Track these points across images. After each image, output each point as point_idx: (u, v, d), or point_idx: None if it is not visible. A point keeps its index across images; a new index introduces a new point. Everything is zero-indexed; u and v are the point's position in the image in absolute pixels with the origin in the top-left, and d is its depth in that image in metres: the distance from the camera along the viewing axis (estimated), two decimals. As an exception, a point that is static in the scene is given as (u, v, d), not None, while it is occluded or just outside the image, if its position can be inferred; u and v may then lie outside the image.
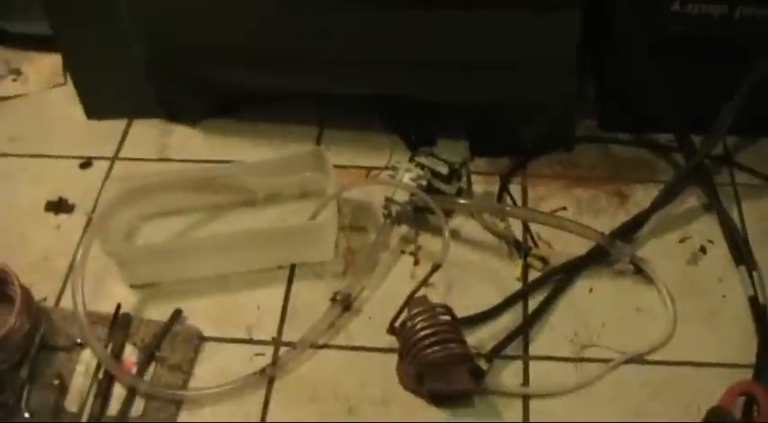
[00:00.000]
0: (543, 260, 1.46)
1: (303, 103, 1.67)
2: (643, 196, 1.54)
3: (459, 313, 1.33)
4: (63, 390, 1.31)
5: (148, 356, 1.35)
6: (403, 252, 1.49)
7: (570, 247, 1.46)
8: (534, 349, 1.36)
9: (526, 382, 1.32)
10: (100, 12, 1.56)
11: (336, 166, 1.51)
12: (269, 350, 1.37)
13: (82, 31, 1.61)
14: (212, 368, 1.35)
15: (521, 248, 1.48)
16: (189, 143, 1.68)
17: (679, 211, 1.53)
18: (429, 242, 1.50)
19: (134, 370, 1.33)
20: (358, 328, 1.39)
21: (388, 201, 1.47)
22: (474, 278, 1.44)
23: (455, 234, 1.49)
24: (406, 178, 1.47)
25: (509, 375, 1.33)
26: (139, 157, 1.66)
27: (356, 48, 1.49)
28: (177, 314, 1.40)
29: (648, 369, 1.33)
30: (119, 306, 1.40)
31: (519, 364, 1.34)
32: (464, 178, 1.50)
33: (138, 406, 1.30)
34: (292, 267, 1.47)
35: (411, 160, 1.50)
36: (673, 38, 1.47)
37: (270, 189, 1.54)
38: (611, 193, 1.56)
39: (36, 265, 1.48)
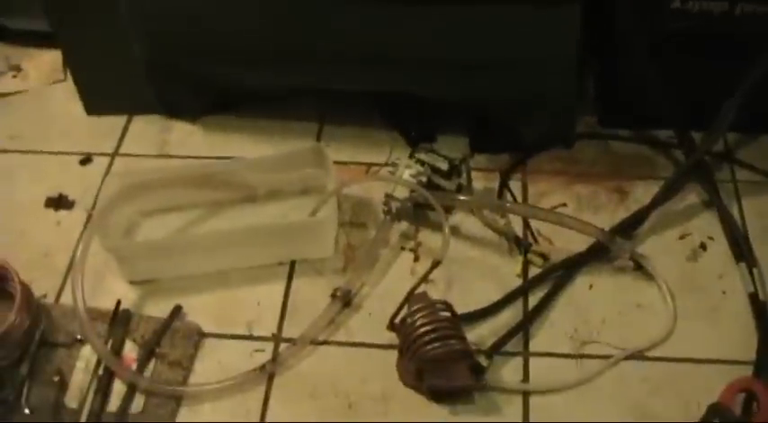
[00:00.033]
0: (543, 256, 1.45)
1: (303, 99, 1.67)
2: (643, 193, 1.54)
3: (459, 310, 1.33)
4: (63, 386, 1.31)
5: (148, 353, 1.35)
6: (403, 248, 1.49)
7: (570, 243, 1.46)
8: (534, 346, 1.36)
9: (526, 378, 1.32)
10: (99, 10, 1.56)
11: (336, 163, 1.51)
12: (269, 346, 1.37)
13: (82, 28, 1.61)
14: (212, 364, 1.35)
15: (521, 245, 1.48)
16: (189, 139, 1.68)
17: (679, 207, 1.53)
18: (429, 238, 1.50)
19: (134, 366, 1.33)
20: (358, 325, 1.39)
21: (389, 197, 1.47)
22: (474, 274, 1.44)
23: (455, 230, 1.49)
24: (406, 174, 1.47)
25: (509, 372, 1.33)
26: (139, 153, 1.66)
27: (356, 45, 1.48)
28: (177, 310, 1.40)
29: (648, 365, 1.33)
30: (119, 302, 1.40)
31: (519, 360, 1.34)
32: (464, 174, 1.50)
33: (138, 402, 1.30)
34: (292, 264, 1.47)
35: (411, 156, 1.50)
36: (673, 34, 1.47)
37: (270, 185, 1.54)
38: (611, 189, 1.56)
39: (36, 261, 1.48)
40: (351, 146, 1.63)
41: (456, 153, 1.51)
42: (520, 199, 1.56)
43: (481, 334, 1.36)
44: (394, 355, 1.33)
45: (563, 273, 1.44)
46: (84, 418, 1.28)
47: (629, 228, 1.48)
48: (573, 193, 1.56)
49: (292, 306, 1.42)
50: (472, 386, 1.29)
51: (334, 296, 1.39)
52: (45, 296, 1.43)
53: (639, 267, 1.43)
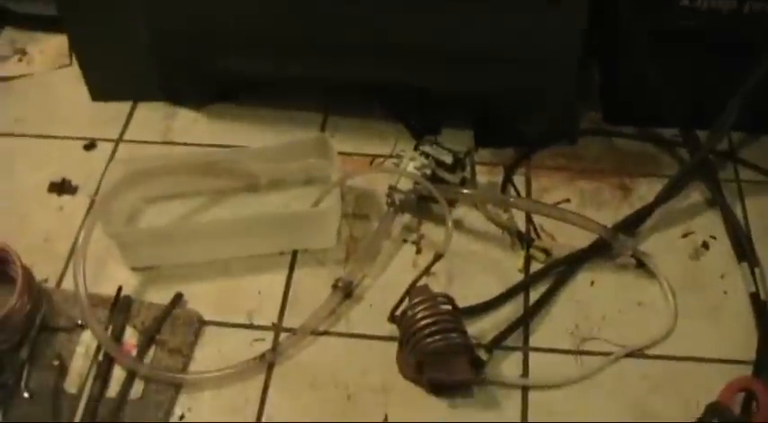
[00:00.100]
0: (546, 252, 1.45)
1: (309, 89, 1.66)
2: (647, 190, 1.54)
3: (461, 303, 1.33)
4: (63, 371, 1.31)
5: (148, 339, 1.35)
6: (405, 241, 1.49)
7: (573, 239, 1.46)
8: (534, 341, 1.36)
9: (526, 373, 1.32)
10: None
11: (341, 153, 1.50)
12: (269, 336, 1.37)
13: (88, 13, 1.61)
14: (212, 352, 1.35)
15: (523, 240, 1.48)
16: (193, 127, 1.68)
17: (682, 205, 1.53)
18: (432, 231, 1.50)
19: (134, 352, 1.33)
20: (359, 316, 1.39)
21: (392, 189, 1.47)
22: (476, 268, 1.44)
23: (458, 224, 1.49)
24: (411, 167, 1.47)
25: (509, 366, 1.33)
26: (143, 139, 1.66)
27: (357, 35, 1.48)
28: (178, 298, 1.40)
29: (648, 363, 1.33)
30: (120, 288, 1.40)
31: (519, 355, 1.34)
32: (468, 168, 1.50)
33: (137, 388, 1.30)
34: (294, 253, 1.47)
35: (415, 149, 1.50)
36: (681, 32, 1.46)
37: (273, 175, 1.54)
38: (614, 186, 1.56)
39: (38, 245, 1.48)
40: (355, 137, 1.63)
41: (461, 146, 1.51)
42: (523, 194, 1.56)
43: (482, 328, 1.36)
44: (394, 347, 1.33)
45: (565, 268, 1.44)
46: (83, 403, 1.28)
47: (631, 225, 1.48)
48: (576, 189, 1.56)
49: (293, 296, 1.42)
50: (472, 380, 1.29)
51: (335, 287, 1.39)
52: (46, 281, 1.43)
53: (641, 265, 1.43)
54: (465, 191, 1.48)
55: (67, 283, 1.42)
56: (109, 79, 1.71)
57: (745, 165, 1.59)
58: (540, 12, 1.42)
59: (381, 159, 1.60)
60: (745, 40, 1.45)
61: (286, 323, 1.38)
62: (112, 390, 1.30)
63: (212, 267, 1.45)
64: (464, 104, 1.62)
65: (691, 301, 1.39)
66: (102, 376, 1.30)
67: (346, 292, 1.40)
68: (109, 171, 1.49)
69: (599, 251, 1.45)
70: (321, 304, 1.37)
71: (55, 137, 1.67)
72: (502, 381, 1.31)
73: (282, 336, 1.37)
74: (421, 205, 1.49)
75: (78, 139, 1.66)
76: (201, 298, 1.41)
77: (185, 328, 1.36)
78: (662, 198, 1.49)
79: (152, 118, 1.70)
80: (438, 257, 1.36)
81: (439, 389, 1.29)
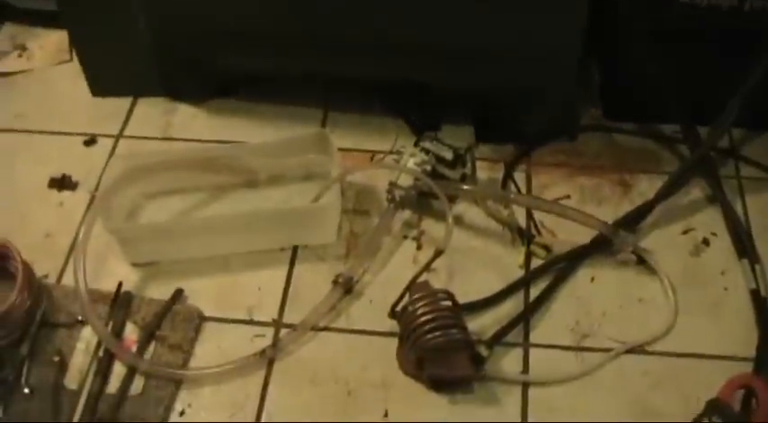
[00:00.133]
0: (546, 248, 1.45)
1: (309, 85, 1.66)
2: (647, 186, 1.54)
3: (461, 299, 1.32)
4: (63, 367, 1.31)
5: (149, 335, 1.35)
6: (406, 237, 1.49)
7: (573, 235, 1.46)
8: (535, 337, 1.36)
9: (526, 369, 1.33)
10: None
11: (341, 149, 1.50)
12: (269, 331, 1.37)
13: (88, 9, 1.61)
14: (212, 348, 1.35)
15: (524, 236, 1.48)
16: (193, 123, 1.68)
17: (683, 202, 1.53)
18: (432, 227, 1.50)
19: (134, 348, 1.33)
20: (359, 312, 1.39)
21: (392, 185, 1.47)
22: (476, 264, 1.44)
23: (458, 220, 1.49)
24: (411, 163, 1.47)
25: (509, 362, 1.33)
26: (143, 135, 1.66)
27: (357, 30, 1.48)
28: (178, 293, 1.40)
29: (649, 359, 1.33)
30: (120, 284, 1.40)
31: (519, 351, 1.34)
32: (468, 164, 1.50)
33: (137, 384, 1.30)
34: (294, 249, 1.47)
35: (416, 145, 1.50)
36: (681, 29, 1.46)
37: (273, 170, 1.54)
38: (615, 182, 1.56)
39: (38, 241, 1.48)
40: (355, 133, 1.63)
41: (461, 143, 1.51)
42: (524, 190, 1.55)
43: (482, 324, 1.36)
44: (394, 343, 1.33)
45: (565, 265, 1.44)
46: (83, 399, 1.28)
47: (632, 221, 1.48)
48: (577, 185, 1.56)
49: (293, 292, 1.42)
50: (472, 376, 1.29)
51: (335, 283, 1.39)
52: (46, 276, 1.43)
53: (642, 261, 1.43)
54: (465, 187, 1.48)
55: (68, 279, 1.42)
56: (109, 75, 1.71)
57: (746, 161, 1.59)
58: (540, 9, 1.41)
59: (381, 155, 1.60)
60: (745, 38, 1.45)
61: (286, 319, 1.38)
62: (113, 386, 1.30)
63: (212, 263, 1.45)
64: (464, 101, 1.62)
65: (691, 297, 1.39)
66: (103, 372, 1.30)
67: (346, 287, 1.40)
68: (109, 167, 1.49)
69: (599, 247, 1.44)
70: (321, 300, 1.37)
71: (55, 133, 1.67)
72: (502, 377, 1.31)
73: (283, 332, 1.37)
74: (421, 201, 1.49)
75: (78, 134, 1.66)
76: (202, 294, 1.41)
77: (185, 324, 1.36)
78: (662, 194, 1.49)
79: (152, 114, 1.70)
80: (438, 253, 1.36)
81: (439, 385, 1.29)
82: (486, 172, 1.56)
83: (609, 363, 1.32)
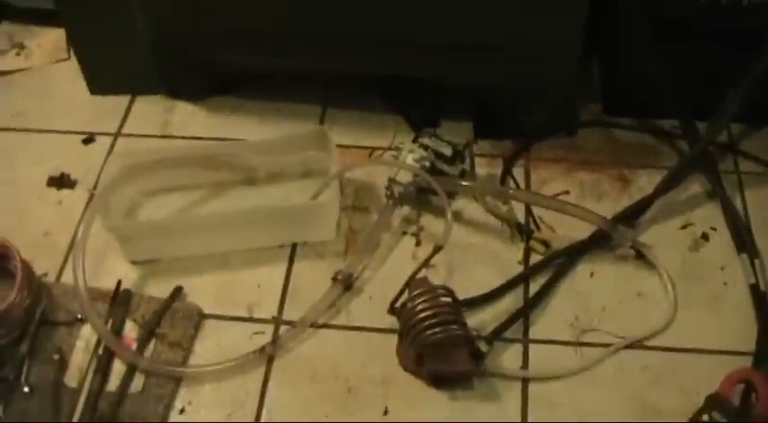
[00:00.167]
0: (545, 243, 1.45)
1: (308, 81, 1.66)
2: (646, 182, 1.54)
3: (460, 295, 1.32)
4: (63, 365, 1.31)
5: (148, 333, 1.35)
6: (405, 233, 1.49)
7: (572, 230, 1.46)
8: (534, 332, 1.36)
9: (526, 365, 1.33)
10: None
11: (339, 146, 1.50)
12: (269, 329, 1.37)
13: (86, 7, 1.60)
14: (212, 346, 1.36)
15: (523, 231, 1.48)
16: (191, 120, 1.68)
17: (682, 197, 1.53)
18: (431, 223, 1.50)
19: (134, 346, 1.33)
20: (359, 309, 1.39)
21: (391, 181, 1.46)
22: (475, 260, 1.44)
23: (457, 216, 1.49)
24: (410, 159, 1.47)
25: (509, 358, 1.33)
26: (142, 133, 1.66)
27: (357, 27, 1.48)
28: (178, 291, 1.40)
29: (648, 354, 1.33)
30: (119, 282, 1.40)
31: (519, 346, 1.34)
32: (467, 160, 1.50)
33: (137, 382, 1.30)
34: (294, 246, 1.47)
35: (415, 141, 1.50)
36: (681, 24, 1.46)
37: (272, 167, 1.54)
38: (614, 177, 1.56)
39: (37, 240, 1.48)
40: (354, 129, 1.63)
41: (460, 138, 1.51)
42: (522, 185, 1.56)
43: (482, 320, 1.36)
44: (394, 339, 1.33)
45: (564, 260, 1.44)
46: (83, 397, 1.28)
47: (631, 216, 1.48)
48: (576, 180, 1.56)
49: (293, 289, 1.42)
50: (472, 372, 1.29)
51: (335, 279, 1.39)
52: (46, 275, 1.43)
53: (641, 256, 1.43)
54: (464, 183, 1.48)
55: (67, 277, 1.42)
56: (107, 73, 1.71)
57: (745, 156, 1.59)
58: (541, 4, 1.41)
59: (380, 152, 1.60)
60: (744, 32, 1.44)
61: (286, 316, 1.38)
62: (113, 384, 1.30)
63: (212, 260, 1.45)
64: (464, 96, 1.62)
65: (690, 292, 1.39)
66: (103, 370, 1.30)
67: (346, 284, 1.40)
68: (108, 165, 1.49)
69: (598, 242, 1.45)
70: (321, 297, 1.37)
71: (53, 131, 1.67)
72: (502, 372, 1.31)
73: (282, 329, 1.37)
74: (420, 197, 1.49)
75: (77, 133, 1.66)
76: (201, 291, 1.41)
77: (185, 322, 1.36)
78: (661, 189, 1.49)
79: (150, 111, 1.70)
80: (437, 249, 1.36)
81: (439, 381, 1.29)
82: (484, 168, 1.56)
83: (608, 358, 1.32)
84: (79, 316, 1.35)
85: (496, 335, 1.34)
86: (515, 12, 1.42)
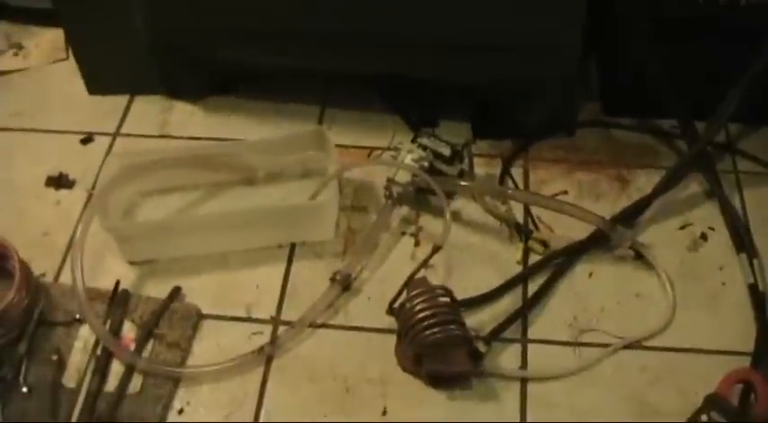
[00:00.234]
0: (544, 243, 1.45)
1: (307, 81, 1.66)
2: (645, 181, 1.54)
3: (459, 295, 1.32)
4: (61, 365, 1.31)
5: (147, 333, 1.35)
6: (404, 233, 1.49)
7: (571, 231, 1.46)
8: (533, 333, 1.36)
9: (524, 365, 1.32)
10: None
11: (338, 146, 1.50)
12: (267, 329, 1.37)
13: (84, 6, 1.60)
14: (211, 346, 1.35)
15: (521, 231, 1.48)
16: (190, 120, 1.68)
17: (681, 197, 1.53)
18: (430, 223, 1.49)
19: (132, 347, 1.33)
20: (357, 309, 1.39)
21: (390, 181, 1.46)
22: (474, 260, 1.44)
23: (456, 216, 1.49)
24: (408, 159, 1.47)
25: (507, 358, 1.33)
26: (140, 133, 1.66)
27: (357, 26, 1.48)
28: (176, 291, 1.40)
29: (647, 354, 1.33)
30: (118, 282, 1.40)
31: (517, 347, 1.34)
32: (466, 160, 1.50)
33: (135, 382, 1.30)
34: (292, 246, 1.47)
35: (413, 141, 1.49)
36: (678, 23, 1.46)
37: (271, 168, 1.53)
38: (612, 177, 1.56)
39: (36, 240, 1.48)
40: (353, 129, 1.63)
41: (458, 138, 1.51)
42: (521, 186, 1.56)
43: (480, 320, 1.36)
44: (393, 339, 1.33)
45: (563, 260, 1.44)
46: (81, 397, 1.27)
47: (630, 216, 1.47)
48: (574, 180, 1.56)
49: (291, 289, 1.42)
50: (470, 372, 1.29)
51: (333, 280, 1.39)
52: (44, 275, 1.43)
53: (640, 256, 1.43)
54: (463, 183, 1.48)
55: (65, 278, 1.42)
56: (106, 73, 1.71)
57: (744, 156, 1.59)
58: (540, 3, 1.41)
59: (379, 152, 1.60)
60: (743, 32, 1.44)
61: (284, 316, 1.38)
62: (111, 384, 1.29)
63: (210, 261, 1.45)
64: (463, 96, 1.62)
65: (689, 292, 1.39)
66: (101, 370, 1.30)
67: (344, 284, 1.40)
68: (106, 165, 1.49)
69: (597, 243, 1.44)
70: (319, 297, 1.37)
71: (52, 131, 1.67)
72: (500, 372, 1.31)
73: (281, 329, 1.36)
74: (419, 197, 1.49)
75: (75, 132, 1.66)
76: (200, 291, 1.41)
77: (183, 322, 1.36)
78: (660, 189, 1.49)
79: (149, 111, 1.70)
80: (436, 250, 1.36)
81: (437, 381, 1.29)
82: (483, 168, 1.56)
83: (607, 358, 1.32)
84: (77, 316, 1.35)
85: (495, 335, 1.34)
86: (515, 12, 1.42)
